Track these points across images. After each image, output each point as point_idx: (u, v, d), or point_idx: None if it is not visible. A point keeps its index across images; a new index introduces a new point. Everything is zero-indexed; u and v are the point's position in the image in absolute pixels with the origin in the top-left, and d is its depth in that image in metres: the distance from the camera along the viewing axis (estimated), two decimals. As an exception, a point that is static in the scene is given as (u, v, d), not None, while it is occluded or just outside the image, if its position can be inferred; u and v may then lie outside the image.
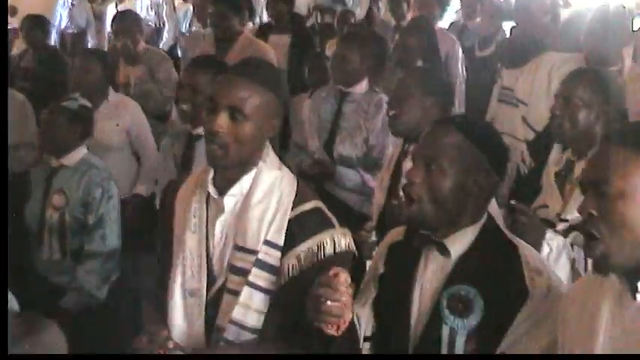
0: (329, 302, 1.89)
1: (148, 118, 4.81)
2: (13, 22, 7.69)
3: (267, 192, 2.22)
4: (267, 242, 2.19)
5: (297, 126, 4.73)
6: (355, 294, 2.10)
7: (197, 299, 2.25)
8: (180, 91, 3.42)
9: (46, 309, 2.57)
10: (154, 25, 9.70)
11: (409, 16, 6.23)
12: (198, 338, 2.24)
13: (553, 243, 2.69)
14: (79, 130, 3.79)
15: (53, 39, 8.04)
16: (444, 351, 2.06)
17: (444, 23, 6.72)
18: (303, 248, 2.18)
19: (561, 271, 2.59)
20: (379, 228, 3.11)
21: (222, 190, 2.24)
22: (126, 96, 4.81)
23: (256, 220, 2.20)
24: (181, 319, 2.26)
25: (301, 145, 4.35)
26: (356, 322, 2.13)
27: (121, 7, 8.89)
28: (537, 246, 2.56)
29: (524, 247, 2.16)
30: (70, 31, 8.64)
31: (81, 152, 3.81)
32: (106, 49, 7.99)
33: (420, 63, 4.99)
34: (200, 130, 3.15)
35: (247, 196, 2.22)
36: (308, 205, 2.23)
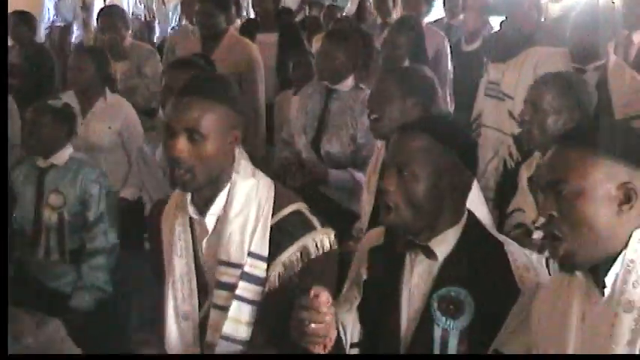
0: (312, 325, 1.87)
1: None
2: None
3: (245, 203, 2.19)
4: (251, 254, 2.17)
5: (283, 123, 4.70)
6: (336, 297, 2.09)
7: (190, 322, 2.24)
8: (165, 93, 3.39)
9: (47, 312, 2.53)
10: (143, 19, 9.64)
11: (395, 14, 6.20)
12: None
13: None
14: (65, 128, 3.75)
15: (43, 34, 7.98)
16: (437, 352, 2.05)
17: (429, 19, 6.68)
18: (286, 255, 2.17)
19: None
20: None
21: (201, 210, 2.21)
22: (121, 97, 4.76)
23: (238, 232, 2.17)
24: (177, 342, 2.24)
25: (288, 142, 4.32)
26: (342, 333, 2.12)
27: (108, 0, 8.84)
28: None
29: (509, 244, 2.16)
30: (58, 24, 8.57)
31: (68, 151, 3.77)
32: (92, 41, 7.94)
33: (407, 62, 4.95)
34: None
35: (226, 211, 2.19)
36: (287, 210, 2.21)
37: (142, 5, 9.87)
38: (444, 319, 2.05)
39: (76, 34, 8.60)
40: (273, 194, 2.22)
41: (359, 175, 3.88)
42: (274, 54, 5.78)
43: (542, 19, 4.73)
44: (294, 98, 4.52)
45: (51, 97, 3.87)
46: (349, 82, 4.11)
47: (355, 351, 2.17)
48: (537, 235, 2.88)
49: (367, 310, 2.19)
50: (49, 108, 3.72)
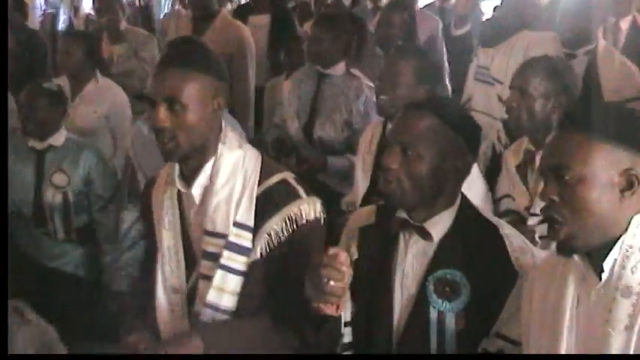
0: (332, 282, 1.85)
1: (129, 96, 4.73)
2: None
3: (231, 173, 2.18)
4: (236, 224, 2.15)
5: (274, 109, 4.67)
6: None
7: (180, 295, 2.22)
8: None
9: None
10: (137, 4, 9.60)
11: (385, -1, 6.15)
12: (185, 333, 2.20)
13: None
14: (61, 110, 3.75)
15: (36, 21, 7.93)
16: (434, 332, 2.03)
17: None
18: (272, 225, 2.15)
19: None
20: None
21: (189, 182, 2.20)
22: (112, 82, 4.73)
23: (224, 202, 2.16)
24: (167, 316, 2.23)
25: (281, 126, 4.29)
26: None
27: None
28: None
29: (504, 226, 2.14)
30: (49, 11, 8.52)
31: (64, 132, 3.77)
32: (82, 26, 7.88)
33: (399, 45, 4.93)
34: None
35: (212, 182, 2.17)
36: (274, 179, 2.19)
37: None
38: (440, 301, 2.03)
39: (63, 19, 8.54)
40: (260, 165, 2.21)
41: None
42: (266, 35, 5.74)
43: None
44: (286, 82, 4.49)
45: (44, 80, 3.84)
46: (341, 67, 4.08)
47: (348, 330, 2.14)
48: (532, 221, 2.87)
49: (358, 289, 2.14)
50: (45, 91, 3.72)
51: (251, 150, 2.26)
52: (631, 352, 1.68)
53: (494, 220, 2.17)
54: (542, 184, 2.83)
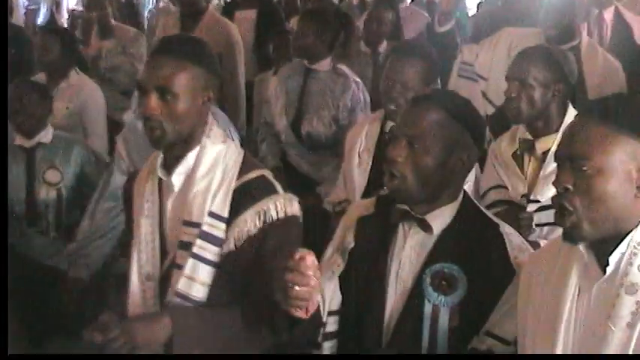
0: (297, 287, 1.81)
1: (115, 93, 4.68)
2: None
3: (212, 166, 2.17)
4: (211, 214, 2.14)
5: (263, 105, 4.65)
6: None
7: (153, 283, 2.20)
8: None
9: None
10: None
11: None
12: (155, 312, 2.18)
13: None
14: (48, 106, 3.73)
15: (21, 17, 7.86)
16: (427, 326, 2.01)
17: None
18: (245, 217, 2.13)
19: None
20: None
21: (170, 171, 2.19)
22: (88, 77, 4.68)
23: (201, 193, 2.15)
24: (139, 303, 2.21)
25: (270, 124, 4.27)
26: (320, 300, 2.05)
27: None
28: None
29: (504, 225, 2.12)
30: (31, 7, 8.46)
31: (50, 129, 3.74)
32: (66, 21, 7.81)
33: (384, 42, 4.91)
34: None
35: (192, 172, 2.17)
36: (252, 174, 2.18)
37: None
38: (435, 294, 2.01)
39: (44, 14, 8.48)
40: (241, 160, 2.21)
41: None
42: (252, 30, 5.71)
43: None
44: (273, 79, 4.48)
45: (29, 76, 3.80)
46: (327, 62, 4.06)
47: (332, 319, 2.11)
48: (531, 207, 2.86)
49: (351, 278, 2.14)
50: (34, 85, 3.69)
51: (234, 146, 2.26)
52: (631, 350, 1.65)
53: (495, 218, 2.15)
54: (542, 172, 2.86)
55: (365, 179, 3.19)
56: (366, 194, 3.09)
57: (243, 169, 2.19)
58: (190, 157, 2.17)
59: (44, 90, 3.72)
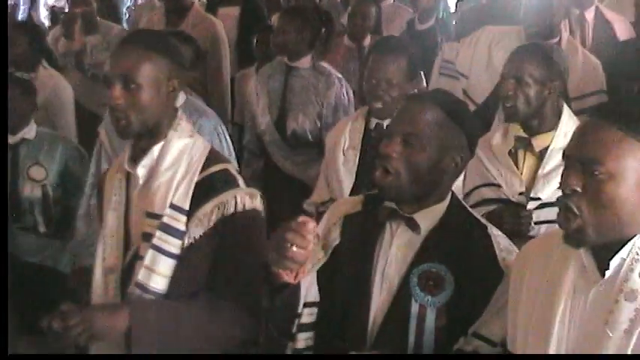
0: (294, 248, 1.79)
1: (100, 87, 4.62)
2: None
3: (177, 159, 2.18)
4: (172, 206, 2.14)
5: (244, 103, 4.62)
6: None
7: (115, 275, 2.20)
8: None
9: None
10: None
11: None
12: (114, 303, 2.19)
13: None
14: (32, 101, 3.68)
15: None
16: (413, 326, 1.98)
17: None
18: (206, 209, 2.13)
19: None
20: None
21: (136, 163, 2.19)
22: (56, 72, 4.65)
23: (164, 185, 2.15)
24: (101, 295, 2.21)
25: (252, 125, 4.23)
26: (309, 267, 2.01)
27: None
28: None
29: (492, 227, 2.10)
30: (9, 3, 8.39)
31: (34, 125, 3.69)
32: (46, 18, 7.75)
33: (368, 36, 4.89)
34: None
35: (157, 164, 2.17)
36: (215, 168, 2.18)
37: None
38: (422, 294, 1.98)
39: (23, 9, 8.40)
40: (206, 154, 2.21)
41: None
42: (235, 27, 5.67)
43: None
44: (253, 77, 4.45)
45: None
46: (307, 60, 4.04)
47: (308, 311, 2.08)
48: (531, 205, 2.84)
49: (334, 274, 2.10)
50: (20, 81, 3.65)
51: (200, 140, 2.26)
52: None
53: (483, 219, 2.13)
54: (540, 170, 2.84)
55: (352, 177, 3.16)
56: (353, 192, 3.06)
57: (207, 163, 2.19)
58: (155, 150, 2.18)
59: (28, 85, 3.67)
